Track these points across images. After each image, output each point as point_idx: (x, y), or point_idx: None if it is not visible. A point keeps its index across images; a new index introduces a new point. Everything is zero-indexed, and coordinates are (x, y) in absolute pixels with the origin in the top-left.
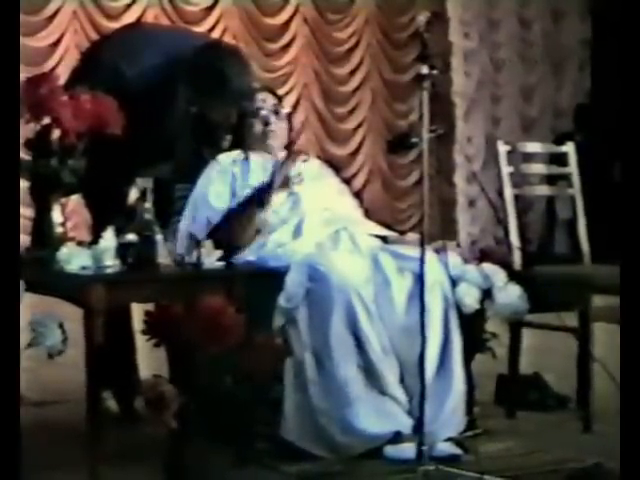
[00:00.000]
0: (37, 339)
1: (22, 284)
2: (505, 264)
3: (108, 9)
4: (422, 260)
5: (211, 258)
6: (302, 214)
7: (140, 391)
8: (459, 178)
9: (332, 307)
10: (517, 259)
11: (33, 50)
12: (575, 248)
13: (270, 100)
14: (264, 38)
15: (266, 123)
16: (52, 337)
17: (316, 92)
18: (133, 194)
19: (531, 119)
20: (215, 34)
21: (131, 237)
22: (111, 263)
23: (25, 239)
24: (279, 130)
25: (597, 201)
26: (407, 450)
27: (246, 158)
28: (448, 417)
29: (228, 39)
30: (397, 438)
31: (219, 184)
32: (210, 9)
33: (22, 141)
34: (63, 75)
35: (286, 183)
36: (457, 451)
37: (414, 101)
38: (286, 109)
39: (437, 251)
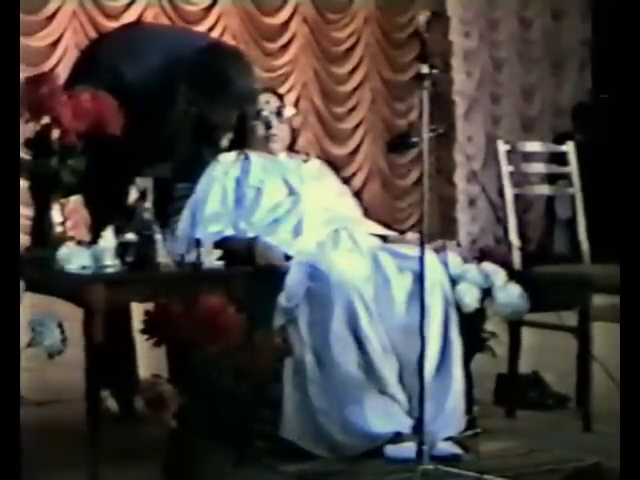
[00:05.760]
0: (36, 339)
1: (22, 284)
2: (505, 263)
3: (108, 8)
4: (422, 259)
5: (211, 258)
6: (301, 213)
7: (139, 391)
8: (459, 177)
9: (332, 306)
10: (517, 258)
11: (33, 50)
12: (575, 247)
13: (273, 102)
14: (263, 38)
15: (268, 126)
16: (51, 337)
17: (315, 91)
18: (133, 194)
19: (531, 118)
20: (214, 33)
21: (131, 237)
22: (111, 263)
23: (25, 239)
24: (281, 132)
25: (597, 201)
26: (407, 450)
27: (247, 158)
28: (448, 417)
29: (227, 39)
30: (397, 438)
31: (220, 184)
32: (209, 8)
33: (22, 141)
34: (63, 75)
35: None
36: (457, 451)
37: (414, 100)
38: (289, 111)
39: (437, 250)
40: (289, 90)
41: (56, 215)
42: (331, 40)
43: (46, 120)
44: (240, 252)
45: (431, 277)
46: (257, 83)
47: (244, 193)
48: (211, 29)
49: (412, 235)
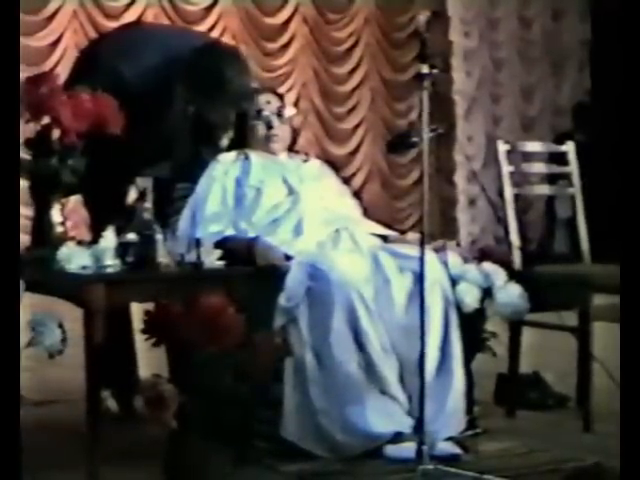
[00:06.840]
0: (36, 339)
1: (22, 284)
2: (505, 263)
3: (108, 9)
4: (422, 259)
5: (211, 258)
6: (301, 213)
7: (140, 391)
8: (459, 177)
9: (333, 306)
10: (517, 258)
11: (33, 50)
12: (575, 247)
13: (274, 102)
14: (263, 38)
15: (269, 126)
16: (52, 337)
17: (315, 91)
18: (133, 194)
19: (531, 118)
20: (214, 33)
21: (131, 237)
22: (111, 263)
23: (25, 239)
24: (281, 132)
25: (597, 201)
26: (407, 449)
27: (247, 157)
28: (448, 416)
29: (227, 39)
30: (397, 438)
31: (220, 184)
32: (210, 8)
33: (22, 141)
34: (63, 75)
35: None
36: (457, 450)
37: (413, 100)
38: (290, 111)
39: (437, 250)
40: (289, 90)
41: (56, 215)
42: (331, 40)
43: (46, 120)
44: (240, 252)
45: (431, 277)
46: (255, 82)
47: (244, 193)
48: (211, 29)
49: (412, 235)
